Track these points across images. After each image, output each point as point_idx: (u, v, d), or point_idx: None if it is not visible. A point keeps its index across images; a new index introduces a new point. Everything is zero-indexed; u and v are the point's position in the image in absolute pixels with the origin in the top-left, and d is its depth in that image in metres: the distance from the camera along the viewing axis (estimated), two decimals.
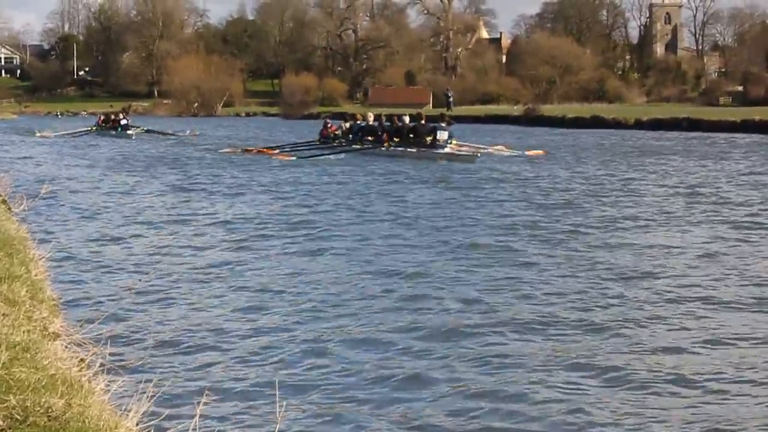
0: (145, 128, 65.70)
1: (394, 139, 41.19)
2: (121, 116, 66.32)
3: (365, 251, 16.19)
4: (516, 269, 14.46)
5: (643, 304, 12.05)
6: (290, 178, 31.29)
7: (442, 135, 39.72)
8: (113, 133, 62.59)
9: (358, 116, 47.61)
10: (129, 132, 61.92)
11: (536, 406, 8.24)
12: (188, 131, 65.88)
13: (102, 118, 68.79)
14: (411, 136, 40.60)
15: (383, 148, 41.00)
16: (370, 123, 44.62)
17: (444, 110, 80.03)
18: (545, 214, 21.53)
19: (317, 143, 45.87)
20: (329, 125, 47.47)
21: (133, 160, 39.99)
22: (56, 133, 62.49)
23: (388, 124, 43.50)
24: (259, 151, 44.34)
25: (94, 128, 66.26)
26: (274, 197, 25.45)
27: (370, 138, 42.79)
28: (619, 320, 11.14)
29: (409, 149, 40.17)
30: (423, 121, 41.45)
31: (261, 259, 15.19)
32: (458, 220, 20.49)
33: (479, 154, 39.05)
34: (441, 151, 39.44)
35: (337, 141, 45.23)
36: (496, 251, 16.18)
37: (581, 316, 11.34)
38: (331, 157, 40.72)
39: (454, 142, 40.54)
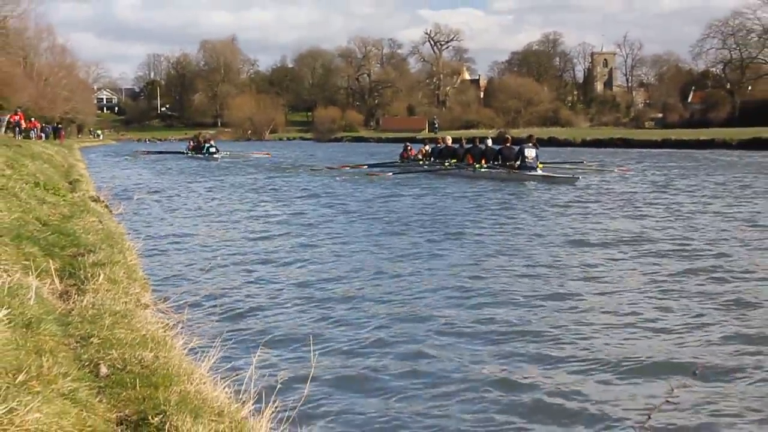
0: (230, 152, 61.90)
1: (482, 161, 32.99)
2: (210, 141, 61.90)
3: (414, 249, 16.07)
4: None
5: None
6: (376, 193, 27.02)
7: (530, 152, 31.18)
8: (201, 156, 57.87)
9: (439, 140, 40.13)
10: (215, 156, 56.93)
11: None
12: (262, 153, 61.90)
13: (192, 144, 63.97)
14: (496, 159, 32.45)
15: (473, 170, 32.70)
16: (449, 145, 37.32)
17: (433, 133, 79.84)
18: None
19: (398, 164, 38.55)
20: (409, 148, 40.20)
21: (213, 176, 38.92)
22: (153, 154, 59.11)
23: (470, 146, 35.41)
24: (343, 167, 37.52)
25: (185, 152, 61.67)
26: (341, 207, 22.71)
27: (452, 160, 35.30)
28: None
29: (496, 170, 31.90)
30: (509, 144, 32.78)
31: (318, 253, 14.66)
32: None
33: (580, 177, 30.43)
34: (535, 173, 30.86)
35: (419, 163, 37.78)
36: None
37: None
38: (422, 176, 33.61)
39: (540, 165, 32.10)
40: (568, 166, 37.14)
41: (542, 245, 14.88)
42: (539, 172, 30.95)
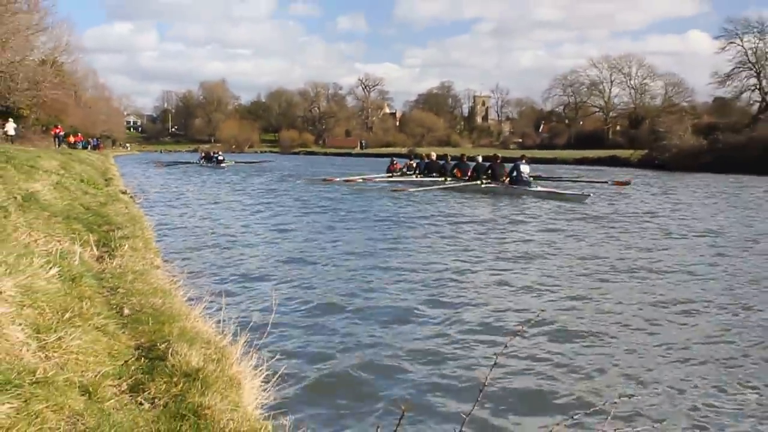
0: (234, 161, 55.70)
1: (469, 176, 26.19)
2: (218, 153, 54.88)
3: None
4: None
5: None
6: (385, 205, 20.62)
7: (525, 168, 24.30)
8: (211, 165, 51.36)
9: (424, 155, 32.78)
10: (223, 165, 50.46)
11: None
12: (264, 161, 57.42)
13: (203, 154, 56.92)
14: (489, 173, 24.94)
15: (478, 184, 24.80)
16: (433, 160, 29.54)
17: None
18: None
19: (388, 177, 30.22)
20: (395, 162, 32.54)
21: (220, 179, 36.07)
22: (168, 165, 52.27)
23: (455, 162, 28.18)
24: (347, 180, 29.16)
25: (197, 162, 54.66)
26: (329, 210, 18.99)
27: (435, 174, 28.11)
28: None
29: (500, 185, 24.15)
30: (499, 161, 25.31)
31: (296, 238, 13.78)
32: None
33: (591, 194, 21.76)
34: (536, 188, 23.59)
35: (409, 175, 29.58)
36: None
37: None
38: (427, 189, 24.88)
39: (533, 179, 25.22)
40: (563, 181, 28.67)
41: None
42: (539, 188, 23.76)
